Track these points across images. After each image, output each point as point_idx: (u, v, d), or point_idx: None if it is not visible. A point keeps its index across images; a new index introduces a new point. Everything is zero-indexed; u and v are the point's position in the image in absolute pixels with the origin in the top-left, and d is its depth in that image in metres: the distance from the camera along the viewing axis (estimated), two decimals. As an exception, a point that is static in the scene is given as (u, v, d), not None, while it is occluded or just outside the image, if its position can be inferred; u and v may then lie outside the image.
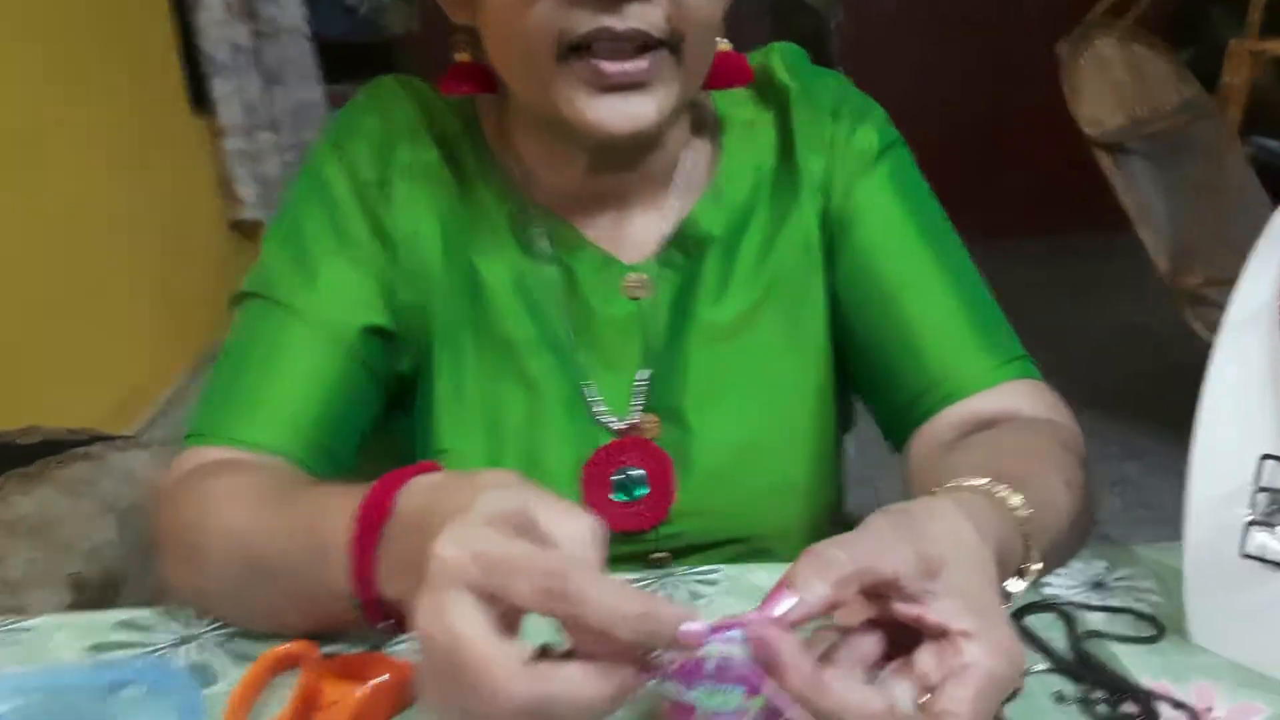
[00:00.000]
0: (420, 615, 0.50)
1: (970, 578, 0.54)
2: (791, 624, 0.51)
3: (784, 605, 0.51)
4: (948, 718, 0.49)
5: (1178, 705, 0.64)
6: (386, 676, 0.64)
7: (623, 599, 0.49)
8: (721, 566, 0.80)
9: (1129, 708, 0.64)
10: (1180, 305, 2.51)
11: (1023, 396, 0.82)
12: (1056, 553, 0.72)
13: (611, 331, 0.85)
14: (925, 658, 0.51)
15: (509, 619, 0.50)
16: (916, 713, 0.49)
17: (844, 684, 0.49)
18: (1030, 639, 0.70)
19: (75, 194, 2.29)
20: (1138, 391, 2.80)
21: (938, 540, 0.54)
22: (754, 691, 0.57)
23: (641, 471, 0.86)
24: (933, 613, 0.51)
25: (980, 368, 0.82)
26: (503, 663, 0.48)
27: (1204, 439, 0.68)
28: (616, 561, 0.80)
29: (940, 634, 0.51)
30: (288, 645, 0.67)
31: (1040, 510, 0.66)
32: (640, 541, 0.86)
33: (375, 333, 0.83)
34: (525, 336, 0.85)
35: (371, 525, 0.60)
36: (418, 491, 0.60)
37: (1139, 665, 0.68)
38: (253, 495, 0.72)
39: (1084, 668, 0.67)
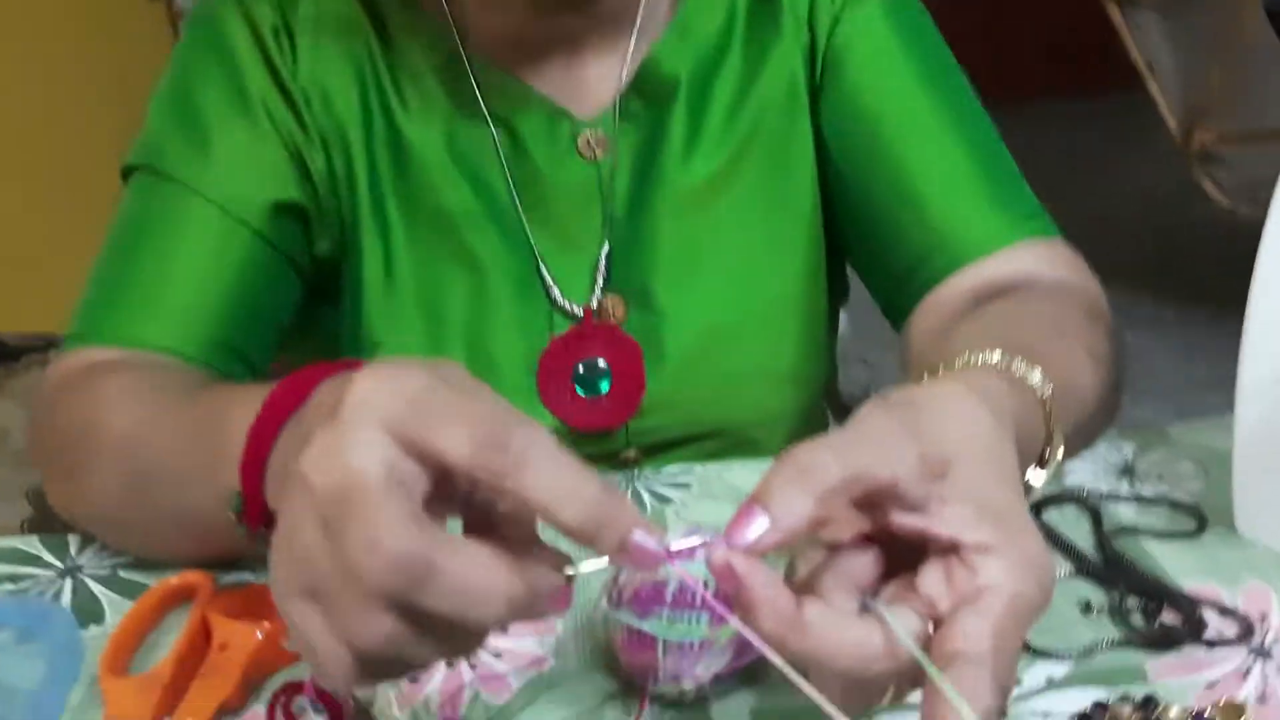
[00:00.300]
0: (307, 457, 0.38)
1: (985, 477, 0.43)
2: (765, 551, 0.40)
3: (754, 529, 0.39)
4: (964, 662, 0.38)
5: (1226, 612, 0.54)
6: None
7: (577, 472, 0.38)
8: (695, 466, 0.71)
9: (1169, 617, 0.54)
10: (1191, 164, 2.39)
11: (1040, 259, 0.72)
12: (1082, 436, 0.61)
13: (565, 200, 0.74)
14: (932, 578, 0.40)
15: (431, 506, 0.39)
16: (923, 655, 0.39)
17: (828, 621, 0.39)
18: (1049, 537, 0.60)
19: (38, 78, 2.13)
20: (1142, 259, 2.70)
21: (945, 434, 0.42)
22: (722, 620, 0.48)
23: (606, 362, 0.76)
24: (940, 523, 0.40)
25: (991, 227, 0.72)
26: (393, 510, 0.36)
27: (1258, 311, 0.57)
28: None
29: (950, 549, 0.41)
30: (179, 577, 0.58)
31: (1063, 387, 0.55)
32: (608, 441, 0.77)
33: (285, 209, 0.72)
34: (464, 209, 0.74)
35: (278, 411, 0.49)
36: (322, 391, 0.49)
37: (1179, 565, 0.58)
38: (151, 395, 0.62)
39: (1114, 570, 0.57)
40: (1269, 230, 0.56)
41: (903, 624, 0.39)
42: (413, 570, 0.36)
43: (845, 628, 0.39)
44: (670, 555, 0.40)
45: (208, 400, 0.59)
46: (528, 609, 0.38)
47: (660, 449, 0.78)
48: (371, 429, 0.37)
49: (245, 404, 0.51)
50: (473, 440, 0.37)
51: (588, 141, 0.74)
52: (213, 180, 0.70)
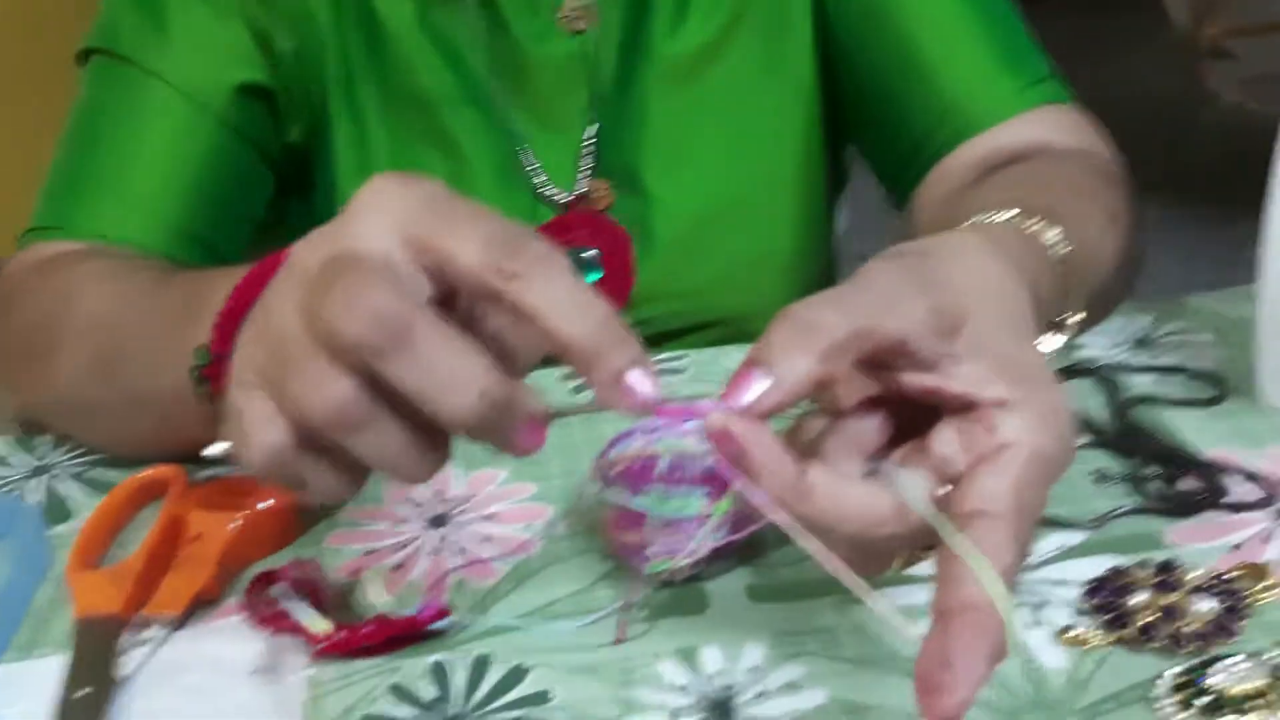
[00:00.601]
0: (302, 245, 0.36)
1: (1001, 329, 0.39)
2: (765, 413, 0.37)
3: (754, 389, 0.36)
4: (983, 522, 0.35)
5: (1250, 477, 0.51)
6: (271, 502, 0.52)
7: (589, 292, 0.35)
8: (690, 352, 0.68)
9: (1188, 483, 0.51)
10: (1198, 60, 2.32)
11: (1054, 125, 0.68)
12: (1100, 302, 0.58)
13: (549, 78, 0.70)
14: (945, 439, 0.37)
15: None
16: (936, 514, 0.36)
17: (834, 484, 0.35)
18: (1063, 410, 0.57)
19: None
20: (1147, 162, 2.65)
21: (958, 286, 0.39)
22: (717, 495, 0.45)
23: (594, 251, 0.73)
24: (954, 380, 0.37)
25: (1002, 92, 0.68)
26: (382, 274, 0.34)
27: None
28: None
29: (965, 408, 0.37)
30: (151, 470, 0.55)
31: (1081, 248, 0.52)
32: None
33: (251, 93, 0.68)
34: (441, 90, 0.70)
35: (262, 275, 0.46)
36: None
37: (1199, 433, 0.55)
38: (122, 276, 0.59)
39: (1131, 439, 0.55)
40: None
41: (913, 485, 0.36)
42: (390, 329, 0.33)
43: (851, 490, 0.36)
44: (661, 409, 0.37)
45: (185, 280, 0.56)
46: (499, 420, 0.34)
47: (653, 344, 0.74)
48: (380, 223, 0.35)
49: (227, 277, 0.48)
50: (485, 245, 0.34)
51: (570, 12, 0.70)
52: (172, 62, 0.66)
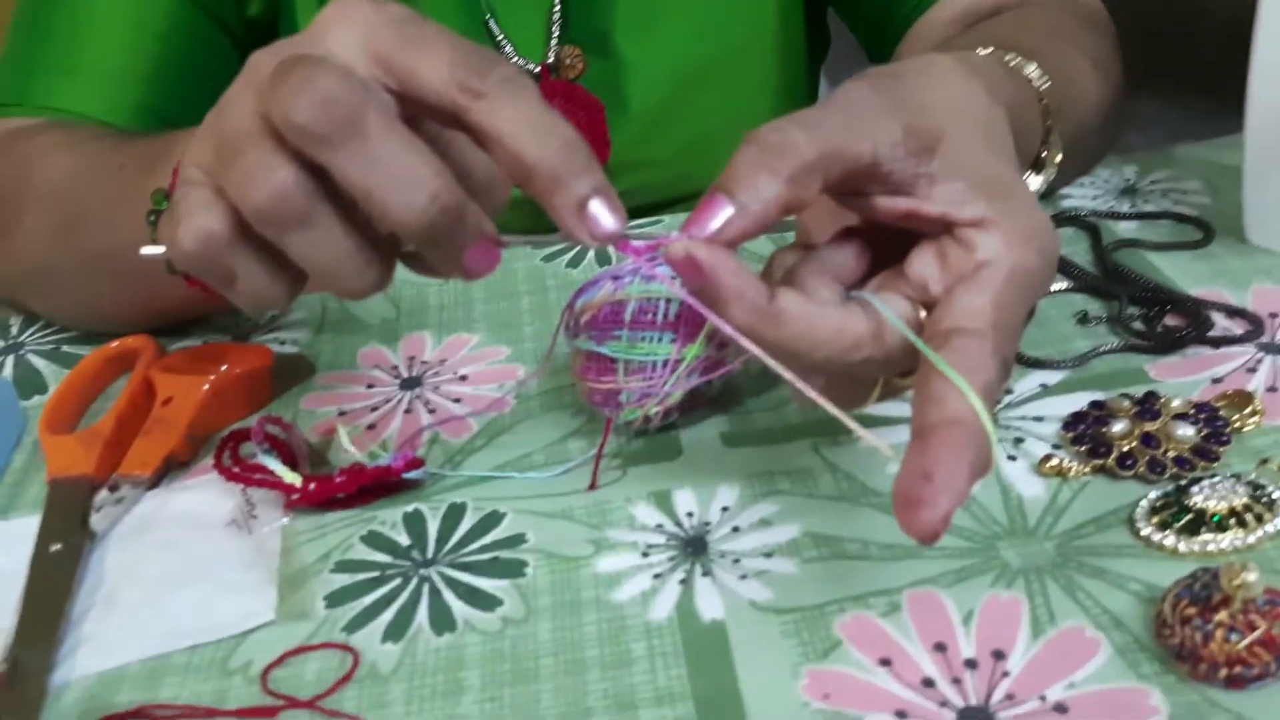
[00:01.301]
0: (263, 51, 0.35)
1: (977, 149, 0.38)
2: (733, 241, 0.36)
3: (719, 216, 0.34)
4: (963, 339, 0.34)
5: (1234, 313, 0.50)
6: (237, 369, 0.52)
7: (555, 115, 0.34)
8: (664, 216, 0.66)
9: (1172, 321, 0.50)
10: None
11: None
12: (1082, 148, 0.57)
13: None
14: (923, 261, 0.36)
15: None
16: (913, 332, 0.35)
17: (806, 308, 0.34)
18: (1046, 258, 0.56)
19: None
20: (1143, 59, 2.60)
21: (932, 105, 0.37)
22: (687, 339, 0.44)
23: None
24: (929, 202, 0.35)
25: None
26: (340, 68, 0.33)
27: (1269, 15, 0.51)
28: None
29: (942, 229, 0.36)
30: (121, 341, 0.55)
31: (1062, 86, 0.51)
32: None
33: None
34: None
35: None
36: None
37: (1183, 274, 0.54)
38: (81, 145, 0.58)
39: (1114, 282, 0.54)
40: None
41: (890, 308, 0.35)
42: (340, 115, 0.32)
43: (824, 314, 0.35)
44: (623, 243, 0.36)
45: (147, 138, 0.55)
46: (449, 230, 0.33)
47: (632, 217, 0.73)
48: (346, 37, 0.34)
49: (186, 134, 0.47)
50: (451, 64, 0.33)
51: None
52: None
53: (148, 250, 0.38)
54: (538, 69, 0.69)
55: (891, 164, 0.35)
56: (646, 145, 0.71)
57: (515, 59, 0.69)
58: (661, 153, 0.72)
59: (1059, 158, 0.51)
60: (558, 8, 0.69)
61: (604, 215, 0.34)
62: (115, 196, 0.52)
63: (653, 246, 0.36)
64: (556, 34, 0.69)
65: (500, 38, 0.69)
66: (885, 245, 0.37)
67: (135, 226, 0.49)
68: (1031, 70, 0.49)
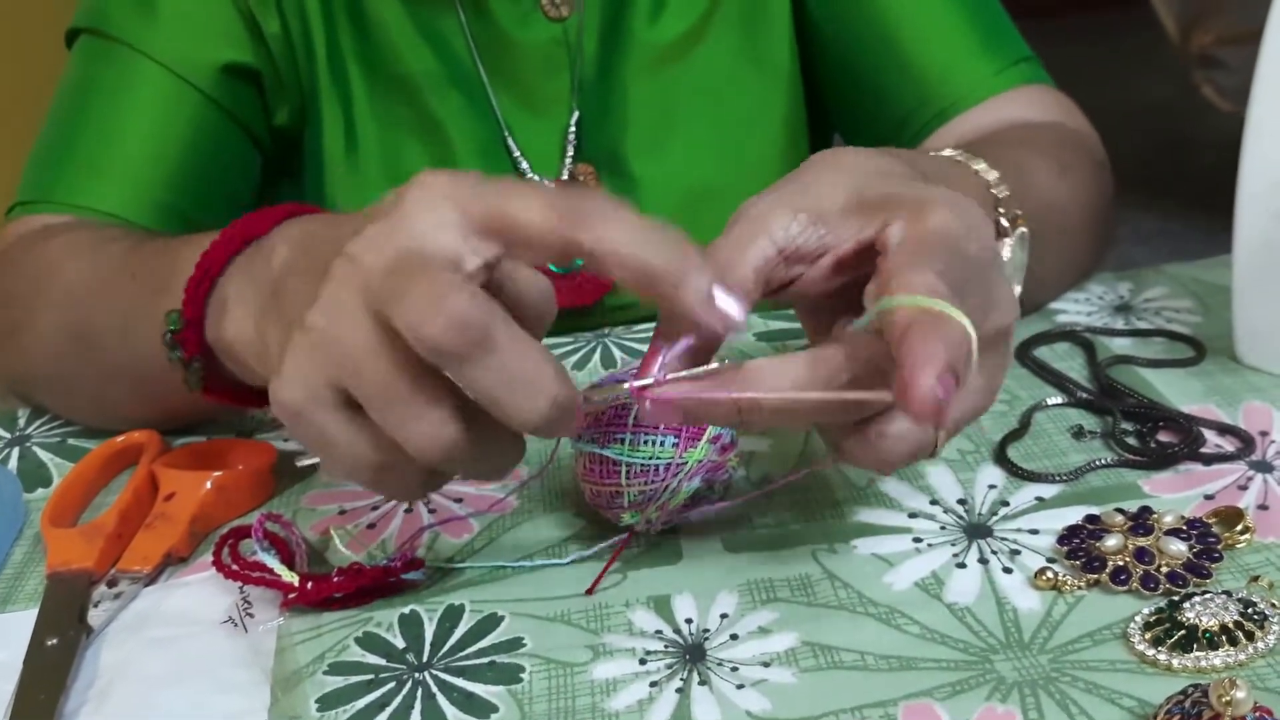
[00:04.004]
0: (358, 241, 0.37)
1: (854, 180, 0.41)
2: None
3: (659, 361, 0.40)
4: (901, 272, 0.37)
5: (1226, 430, 0.51)
6: (240, 465, 0.52)
7: (654, 222, 0.37)
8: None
9: (1165, 437, 0.51)
10: (1191, 68, 2.33)
11: (1032, 105, 0.69)
12: (1057, 254, 0.59)
13: (531, 63, 0.71)
14: (869, 292, 0.39)
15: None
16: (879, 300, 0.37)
17: (776, 365, 0.38)
18: (1041, 371, 0.57)
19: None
20: (1146, 174, 2.65)
21: (808, 180, 0.41)
22: (689, 442, 0.45)
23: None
24: (841, 245, 0.40)
25: (980, 73, 0.69)
26: (459, 276, 0.36)
27: (1259, 110, 0.54)
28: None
29: (871, 256, 0.39)
30: (126, 436, 0.55)
31: (1014, 175, 0.54)
32: (584, 317, 0.74)
33: (238, 73, 0.68)
34: (425, 73, 0.71)
35: (236, 236, 0.47)
36: (308, 220, 0.46)
37: (1176, 391, 0.55)
38: (100, 247, 0.59)
39: (1108, 397, 0.54)
40: (1261, 73, 0.53)
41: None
42: (471, 334, 0.34)
43: (796, 360, 0.38)
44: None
45: (159, 245, 0.56)
46: (562, 421, 0.36)
47: (635, 326, 0.75)
48: (438, 211, 0.36)
49: (199, 242, 0.49)
50: (548, 203, 0.36)
51: (552, 0, 0.70)
52: (160, 40, 0.67)
53: (304, 462, 0.42)
54: (552, 185, 0.72)
55: (796, 243, 0.40)
56: None
57: (531, 175, 0.72)
58: None
59: (1023, 229, 0.53)
60: (573, 128, 0.71)
61: (727, 305, 0.37)
62: (127, 308, 0.53)
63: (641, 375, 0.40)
64: (571, 153, 0.72)
65: (517, 154, 0.71)
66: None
67: (147, 337, 0.50)
68: (979, 165, 0.53)
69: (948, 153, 0.53)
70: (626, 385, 0.39)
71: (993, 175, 0.52)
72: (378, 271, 0.36)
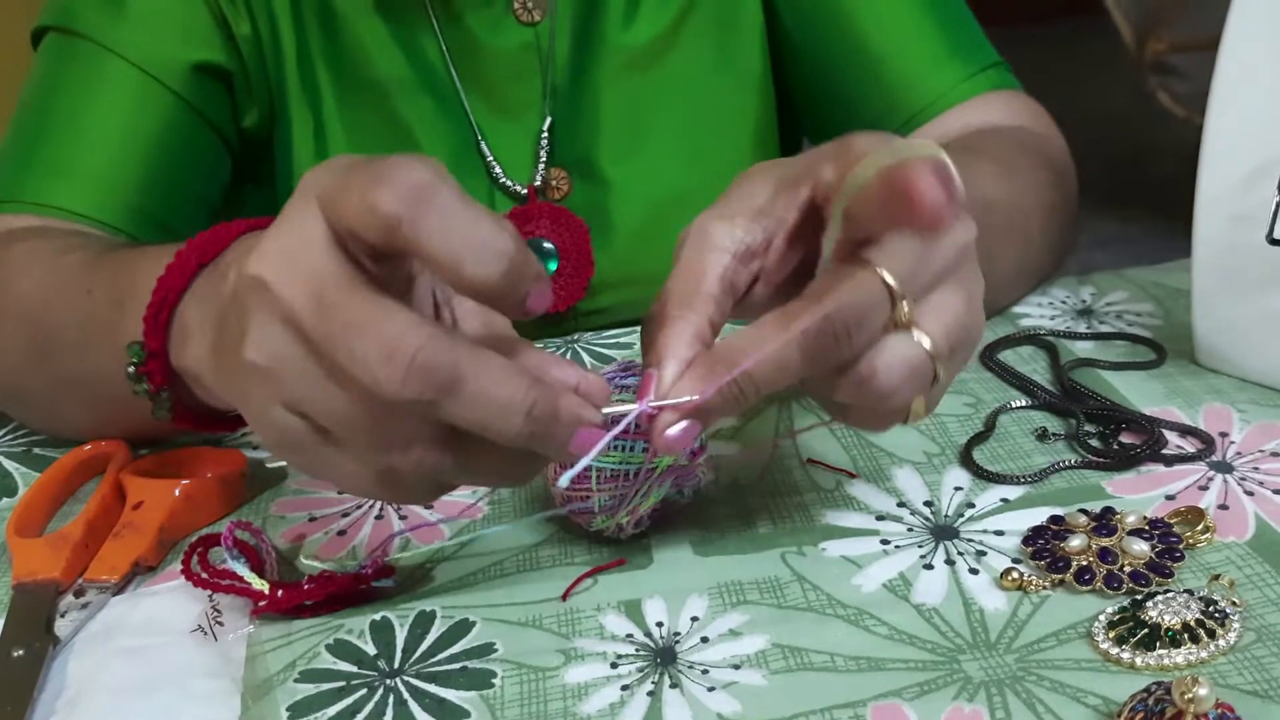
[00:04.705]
0: (256, 258, 0.36)
1: (774, 171, 0.43)
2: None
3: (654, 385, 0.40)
4: None
5: (1187, 431, 0.52)
6: (209, 473, 0.52)
7: (491, 219, 0.35)
8: (638, 327, 0.68)
9: (1127, 439, 0.52)
10: (1145, 76, 2.37)
11: (1000, 110, 0.70)
12: (1003, 251, 0.60)
13: (503, 68, 0.71)
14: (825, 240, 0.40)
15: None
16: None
17: (759, 336, 0.39)
18: (1005, 374, 0.58)
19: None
20: (1106, 181, 2.69)
21: (735, 193, 0.44)
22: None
23: (552, 245, 0.73)
24: (782, 223, 0.42)
25: (948, 80, 0.70)
26: (392, 307, 0.35)
27: (1217, 116, 0.55)
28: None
29: (816, 211, 0.41)
30: (93, 445, 0.55)
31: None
32: (557, 324, 0.74)
33: (207, 71, 0.68)
34: (397, 78, 0.70)
35: (191, 259, 0.46)
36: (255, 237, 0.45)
37: (1138, 393, 0.56)
38: (59, 258, 0.58)
39: (1071, 400, 0.55)
40: (1230, 24, 0.54)
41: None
42: (438, 379, 0.34)
43: (764, 326, 0.39)
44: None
45: (116, 258, 0.55)
46: (549, 428, 0.36)
47: (611, 330, 0.75)
48: (313, 212, 0.35)
49: (155, 258, 0.48)
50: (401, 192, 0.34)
51: (524, 3, 0.70)
52: (129, 38, 0.66)
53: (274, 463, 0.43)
54: (525, 190, 0.72)
55: (746, 248, 0.42)
56: (629, 265, 0.73)
57: (504, 180, 0.72)
58: (643, 271, 0.73)
59: None
60: (545, 133, 0.72)
61: (586, 435, 0.37)
62: (85, 322, 0.52)
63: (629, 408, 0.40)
64: (544, 158, 0.72)
65: (489, 159, 0.71)
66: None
67: (106, 354, 0.50)
68: None
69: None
70: (640, 406, 0.39)
71: None
72: (301, 312, 0.35)
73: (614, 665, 0.42)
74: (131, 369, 0.47)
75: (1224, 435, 0.52)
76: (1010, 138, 0.66)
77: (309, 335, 0.35)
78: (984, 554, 0.46)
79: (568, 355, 0.65)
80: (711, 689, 0.40)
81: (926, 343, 0.39)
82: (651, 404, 0.39)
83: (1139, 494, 0.49)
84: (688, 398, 0.39)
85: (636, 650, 0.42)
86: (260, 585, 0.44)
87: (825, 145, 0.42)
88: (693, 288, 0.41)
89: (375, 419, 0.35)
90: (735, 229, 0.42)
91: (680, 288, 0.41)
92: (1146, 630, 0.40)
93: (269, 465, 0.42)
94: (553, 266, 0.74)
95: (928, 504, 0.49)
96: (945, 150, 0.60)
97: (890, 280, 0.38)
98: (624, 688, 0.40)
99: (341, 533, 0.50)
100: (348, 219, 0.35)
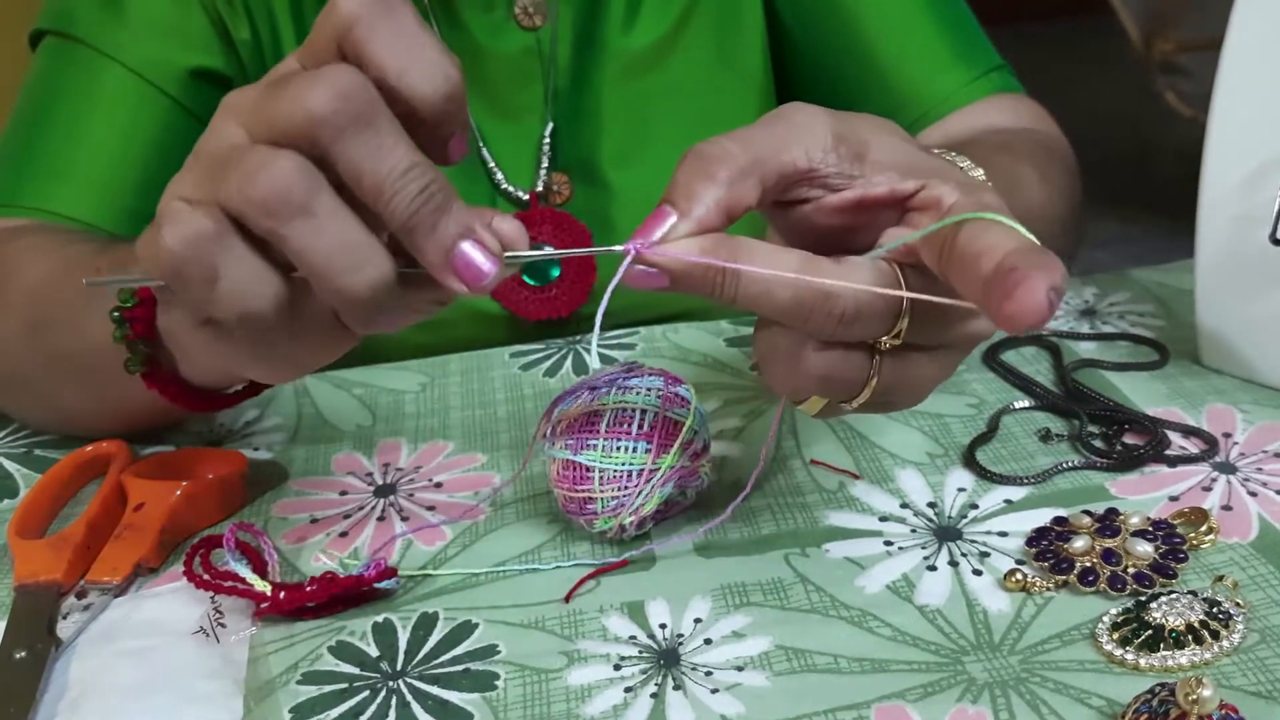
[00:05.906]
0: (236, 92, 0.38)
1: (903, 147, 0.40)
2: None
3: (665, 224, 0.38)
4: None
5: (1190, 432, 0.52)
6: (210, 475, 0.52)
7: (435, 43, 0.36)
8: (640, 329, 0.68)
9: (1130, 439, 0.52)
10: (1152, 75, 2.37)
11: (1004, 113, 0.69)
12: None
13: (504, 72, 0.71)
14: (896, 233, 0.38)
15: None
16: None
17: (769, 247, 0.37)
18: (1008, 374, 0.58)
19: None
20: (1108, 181, 2.69)
21: (858, 122, 0.40)
22: (663, 448, 0.46)
23: (555, 248, 0.73)
24: (873, 185, 0.38)
25: (953, 83, 0.69)
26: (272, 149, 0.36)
27: (1221, 116, 0.54)
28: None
29: (893, 205, 0.39)
30: (94, 446, 0.55)
31: (1005, 188, 0.53)
32: (560, 329, 0.74)
33: (206, 77, 0.68)
34: None
35: None
36: None
37: (1141, 394, 0.56)
38: (60, 249, 0.58)
39: (1075, 401, 0.55)
40: (1234, 22, 0.54)
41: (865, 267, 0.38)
42: (356, 105, 0.34)
43: (787, 252, 0.37)
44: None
45: (115, 246, 0.55)
46: (430, 209, 0.36)
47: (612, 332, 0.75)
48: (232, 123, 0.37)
49: None
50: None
51: (525, 8, 0.70)
52: (127, 44, 0.66)
53: (92, 279, 0.39)
54: (527, 196, 0.72)
55: (826, 168, 0.38)
56: None
57: (505, 186, 0.71)
58: None
59: None
60: (547, 138, 0.72)
61: (477, 257, 0.37)
62: (81, 301, 0.52)
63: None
64: (545, 162, 0.72)
65: (491, 164, 0.71)
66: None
67: (99, 326, 0.49)
68: (964, 163, 0.52)
69: (934, 151, 0.53)
70: (625, 246, 0.38)
71: (979, 173, 0.52)
72: (250, 95, 0.37)
73: (617, 667, 0.41)
74: (117, 312, 0.47)
75: (1227, 436, 0.52)
76: (1033, 140, 0.66)
77: (248, 107, 0.37)
78: (987, 555, 0.46)
79: (569, 356, 0.65)
80: (715, 691, 0.40)
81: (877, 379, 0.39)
82: (636, 245, 0.38)
83: (1142, 495, 0.48)
84: (675, 253, 0.37)
85: (640, 652, 0.42)
86: (262, 587, 0.44)
87: (957, 174, 0.40)
88: (756, 162, 0.38)
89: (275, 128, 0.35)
90: (826, 150, 0.38)
91: (749, 154, 0.38)
92: (1150, 631, 0.40)
93: (87, 281, 0.40)
94: (555, 272, 0.74)
95: (931, 505, 0.49)
96: (987, 148, 0.59)
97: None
98: (627, 689, 0.40)
99: (344, 534, 0.50)
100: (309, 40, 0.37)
